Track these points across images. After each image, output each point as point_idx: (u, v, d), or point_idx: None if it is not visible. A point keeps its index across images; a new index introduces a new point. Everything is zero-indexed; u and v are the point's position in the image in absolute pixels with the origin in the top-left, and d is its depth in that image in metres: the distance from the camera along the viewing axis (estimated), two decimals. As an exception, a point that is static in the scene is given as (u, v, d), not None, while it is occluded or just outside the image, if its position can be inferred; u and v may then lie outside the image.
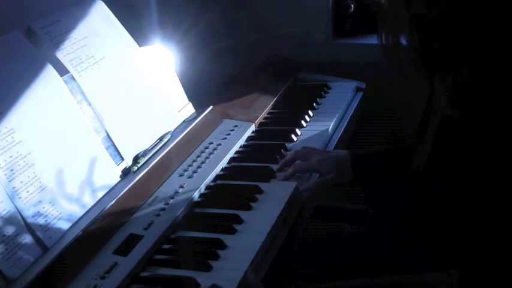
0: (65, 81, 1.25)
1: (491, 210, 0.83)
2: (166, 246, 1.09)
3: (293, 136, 1.47)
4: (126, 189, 1.22)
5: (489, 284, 0.81)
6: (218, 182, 1.30)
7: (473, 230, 0.86)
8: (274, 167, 1.32)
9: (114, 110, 1.33)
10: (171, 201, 1.19)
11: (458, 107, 0.83)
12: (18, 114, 1.13)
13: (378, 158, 1.27)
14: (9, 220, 1.04)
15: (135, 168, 1.30)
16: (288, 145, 1.43)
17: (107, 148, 1.28)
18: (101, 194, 1.22)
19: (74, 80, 1.28)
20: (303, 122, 1.54)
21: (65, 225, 1.12)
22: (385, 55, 0.92)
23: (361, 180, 1.29)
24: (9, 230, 1.03)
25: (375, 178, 1.30)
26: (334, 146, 1.45)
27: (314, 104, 1.63)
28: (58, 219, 1.11)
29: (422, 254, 1.04)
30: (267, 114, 1.61)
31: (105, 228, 1.12)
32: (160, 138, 1.41)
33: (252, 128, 1.52)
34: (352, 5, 1.82)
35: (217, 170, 1.32)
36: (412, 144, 1.11)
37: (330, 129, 1.49)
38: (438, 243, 0.98)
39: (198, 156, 1.36)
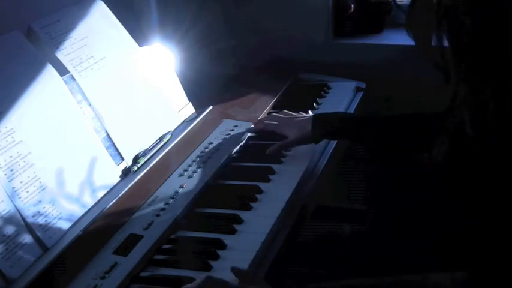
0: (65, 81, 1.25)
1: (500, 212, 0.82)
2: (166, 246, 1.09)
3: (293, 136, 1.46)
4: (126, 189, 1.22)
5: (492, 285, 0.81)
6: (218, 182, 1.30)
7: (479, 230, 0.86)
8: (274, 167, 1.32)
9: (114, 110, 1.33)
10: (171, 201, 1.19)
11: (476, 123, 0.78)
12: (18, 114, 1.13)
13: (339, 121, 1.32)
14: (9, 220, 1.04)
15: (135, 168, 1.30)
16: (288, 145, 1.42)
17: (107, 148, 1.28)
18: (101, 194, 1.22)
19: (74, 80, 1.28)
20: (303, 122, 1.53)
21: (65, 225, 1.12)
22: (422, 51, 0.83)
23: (322, 138, 1.36)
24: (9, 230, 1.03)
25: (333, 138, 1.39)
26: (334, 145, 1.44)
27: (314, 104, 1.63)
28: (58, 219, 1.11)
29: (422, 254, 1.03)
30: (267, 114, 1.61)
31: (105, 228, 1.12)
32: (160, 138, 1.41)
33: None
34: (352, 5, 1.82)
35: (217, 170, 1.32)
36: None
37: (330, 129, 1.49)
38: (439, 244, 0.97)
39: (198, 156, 1.36)
